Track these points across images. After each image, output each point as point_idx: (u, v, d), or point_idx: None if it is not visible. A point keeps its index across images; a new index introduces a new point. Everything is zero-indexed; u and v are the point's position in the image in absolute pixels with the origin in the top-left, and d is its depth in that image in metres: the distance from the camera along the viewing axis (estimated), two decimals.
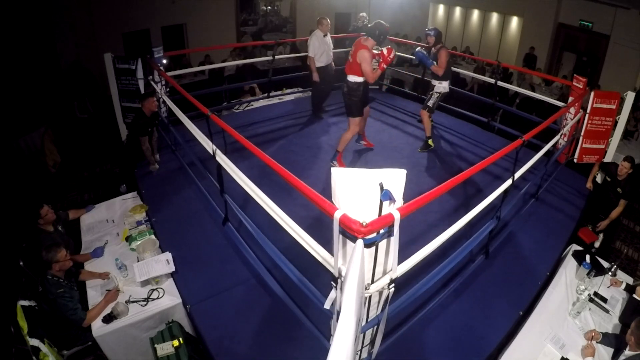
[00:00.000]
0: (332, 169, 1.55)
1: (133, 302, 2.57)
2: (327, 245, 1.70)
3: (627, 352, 2.15)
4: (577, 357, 2.32)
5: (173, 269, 2.69)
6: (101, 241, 3.10)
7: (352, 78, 3.78)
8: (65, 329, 2.50)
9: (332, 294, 1.63)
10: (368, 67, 3.64)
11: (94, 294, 2.67)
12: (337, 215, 1.45)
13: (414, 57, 6.27)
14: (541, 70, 8.84)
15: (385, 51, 3.64)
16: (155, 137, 4.13)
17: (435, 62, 4.34)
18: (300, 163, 4.22)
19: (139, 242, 2.97)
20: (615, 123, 3.91)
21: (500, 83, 5.21)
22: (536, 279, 2.86)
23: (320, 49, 4.96)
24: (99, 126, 6.33)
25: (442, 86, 4.48)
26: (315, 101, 5.50)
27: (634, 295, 2.61)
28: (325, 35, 4.99)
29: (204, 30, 9.18)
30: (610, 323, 2.57)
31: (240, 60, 7.17)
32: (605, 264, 2.98)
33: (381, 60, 3.66)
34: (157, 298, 2.60)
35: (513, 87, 5.93)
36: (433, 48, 4.44)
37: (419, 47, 4.69)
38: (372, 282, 1.68)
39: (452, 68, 6.82)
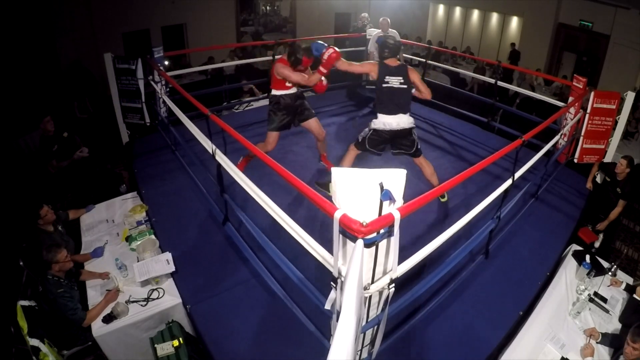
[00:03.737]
0: (332, 168, 1.54)
1: (133, 302, 2.57)
2: (327, 245, 1.70)
3: None
4: (577, 357, 2.32)
5: (173, 269, 2.69)
6: (101, 241, 3.10)
7: (272, 91, 3.56)
8: (65, 329, 2.50)
9: (332, 294, 1.63)
10: (293, 76, 3.33)
11: (94, 294, 2.67)
12: (337, 215, 1.45)
13: (413, 57, 6.30)
14: (541, 70, 8.85)
15: (325, 56, 3.16)
16: (84, 151, 4.22)
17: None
18: (300, 163, 4.21)
19: (139, 242, 2.97)
20: (616, 123, 3.91)
21: (500, 83, 5.20)
22: (536, 279, 2.86)
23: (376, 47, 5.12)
24: (99, 126, 6.33)
25: (378, 121, 3.26)
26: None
27: (634, 296, 2.61)
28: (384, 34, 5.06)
29: (204, 30, 9.18)
30: (610, 323, 2.57)
31: (240, 61, 7.18)
32: (605, 264, 2.98)
33: (322, 64, 3.22)
34: (157, 298, 2.60)
35: (513, 87, 5.94)
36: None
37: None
38: (372, 282, 1.68)
39: (452, 68, 6.90)
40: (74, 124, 6.41)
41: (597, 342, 2.38)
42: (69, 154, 4.11)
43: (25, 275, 2.81)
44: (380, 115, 3.27)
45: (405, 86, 3.21)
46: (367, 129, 3.37)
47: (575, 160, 4.09)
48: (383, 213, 1.51)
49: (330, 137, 4.82)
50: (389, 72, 3.21)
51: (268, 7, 11.17)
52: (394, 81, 3.22)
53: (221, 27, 9.55)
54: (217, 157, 2.64)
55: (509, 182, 2.60)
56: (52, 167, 3.93)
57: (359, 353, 1.94)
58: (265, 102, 5.84)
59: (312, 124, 3.72)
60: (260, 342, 2.34)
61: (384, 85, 3.22)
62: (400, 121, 3.26)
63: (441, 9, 11.93)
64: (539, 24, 9.18)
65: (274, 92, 3.54)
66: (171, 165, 4.09)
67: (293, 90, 3.53)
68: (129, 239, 3.06)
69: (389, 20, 5.22)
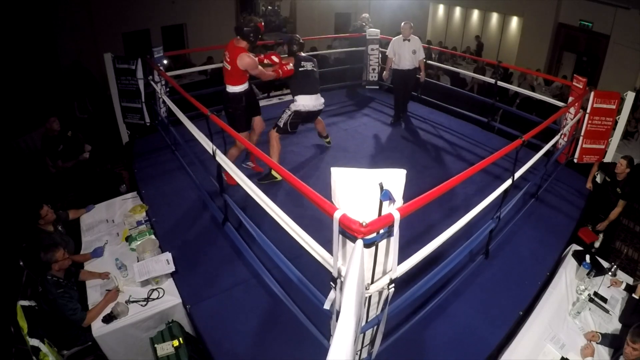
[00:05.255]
0: (332, 168, 1.54)
1: (133, 302, 2.57)
2: (327, 245, 1.70)
3: None
4: (577, 357, 2.32)
5: (173, 269, 2.69)
6: (101, 241, 3.10)
7: (231, 88, 3.33)
8: (65, 329, 2.50)
9: (332, 294, 1.62)
10: (258, 71, 3.29)
11: (94, 294, 2.66)
12: (336, 215, 1.45)
13: None
14: (541, 71, 8.85)
15: (275, 58, 3.40)
16: (87, 149, 4.28)
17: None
18: (300, 163, 4.22)
19: (139, 242, 2.97)
20: (615, 123, 3.91)
21: (500, 83, 5.21)
22: (536, 279, 2.86)
23: (396, 52, 4.95)
24: (99, 126, 6.33)
25: (298, 104, 3.67)
26: (395, 105, 5.41)
27: (634, 295, 2.61)
28: (406, 40, 4.88)
29: (204, 30, 9.18)
30: (610, 323, 2.57)
31: None
32: (605, 264, 2.98)
33: (278, 67, 3.44)
34: (157, 298, 2.60)
35: (513, 87, 5.95)
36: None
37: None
38: (372, 282, 1.68)
39: (452, 68, 6.90)
40: (74, 124, 6.41)
41: (597, 343, 2.38)
42: (73, 154, 4.13)
43: (25, 275, 2.81)
44: (300, 97, 3.68)
45: (316, 69, 3.76)
46: (285, 115, 3.71)
47: (575, 160, 4.09)
48: (383, 213, 1.50)
49: (331, 137, 4.82)
50: (304, 59, 3.72)
51: (268, 7, 11.19)
52: (308, 65, 3.71)
53: (221, 27, 9.54)
54: (217, 157, 2.64)
55: (509, 182, 2.60)
56: (58, 167, 3.93)
57: (358, 353, 1.94)
58: (265, 102, 5.89)
59: (258, 121, 3.70)
60: (260, 342, 2.34)
61: (301, 69, 3.66)
62: (317, 102, 3.77)
63: (441, 9, 11.93)
64: (539, 24, 9.18)
65: (234, 88, 3.34)
66: (171, 165, 4.09)
67: (247, 84, 3.44)
68: (129, 239, 3.06)
69: (411, 24, 4.91)
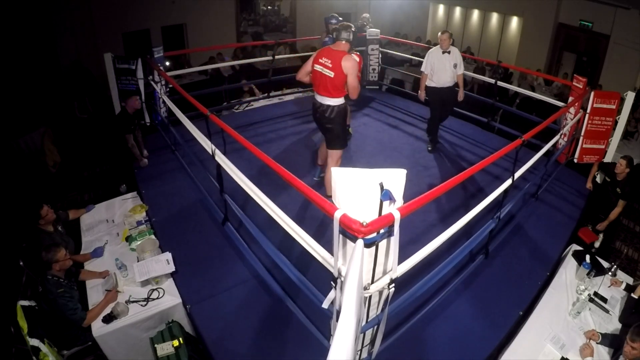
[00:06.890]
0: (333, 168, 1.54)
1: (133, 302, 2.57)
2: (327, 245, 1.70)
3: None
4: (577, 357, 2.32)
5: (173, 269, 2.69)
6: (101, 241, 3.10)
7: (335, 101, 3.00)
8: (66, 329, 2.50)
9: (332, 293, 1.63)
10: (356, 81, 2.95)
11: (94, 294, 2.66)
12: (337, 215, 1.45)
13: (413, 57, 6.25)
14: (541, 71, 8.85)
15: (356, 58, 3.09)
16: (140, 135, 4.21)
17: None
18: (300, 163, 4.21)
19: (139, 242, 2.97)
20: (615, 123, 3.91)
21: (500, 83, 5.21)
22: (536, 279, 2.86)
23: (434, 67, 4.23)
24: (99, 126, 6.34)
25: None
26: (428, 126, 4.72)
27: (632, 295, 2.61)
28: (445, 52, 4.16)
29: (204, 30, 9.18)
30: (610, 323, 2.57)
31: (239, 61, 7.19)
32: (605, 264, 2.98)
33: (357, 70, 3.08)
34: (157, 298, 2.60)
35: (513, 87, 5.94)
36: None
37: None
38: (372, 282, 1.68)
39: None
40: (74, 124, 6.43)
41: (597, 343, 2.38)
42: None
43: (25, 275, 2.81)
44: None
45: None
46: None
47: (575, 160, 4.09)
48: (383, 213, 1.50)
49: None
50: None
51: (268, 7, 11.19)
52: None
53: (221, 27, 9.54)
54: (216, 157, 2.64)
55: (508, 182, 2.60)
56: (128, 141, 3.93)
57: (359, 353, 1.94)
58: (265, 102, 5.89)
59: None
60: (260, 342, 2.34)
61: None
62: None
63: (441, 9, 11.91)
64: (539, 24, 9.17)
65: (337, 101, 3.00)
66: (171, 165, 4.09)
67: None
68: (129, 239, 3.06)
69: (450, 33, 4.18)
